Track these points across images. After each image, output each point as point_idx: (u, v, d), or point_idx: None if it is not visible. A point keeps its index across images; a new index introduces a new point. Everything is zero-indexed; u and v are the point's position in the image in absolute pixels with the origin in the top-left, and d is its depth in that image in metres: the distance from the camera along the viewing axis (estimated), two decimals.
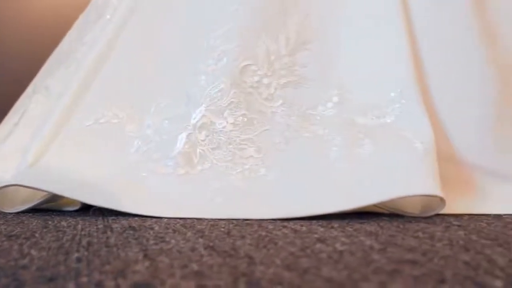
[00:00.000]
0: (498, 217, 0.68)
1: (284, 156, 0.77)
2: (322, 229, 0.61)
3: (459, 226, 0.62)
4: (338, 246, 0.52)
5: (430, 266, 0.44)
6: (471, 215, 0.70)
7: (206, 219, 0.69)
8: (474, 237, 0.56)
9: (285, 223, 0.65)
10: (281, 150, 0.77)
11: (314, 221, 0.65)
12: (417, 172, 0.69)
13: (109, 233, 0.60)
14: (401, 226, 0.62)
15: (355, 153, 0.74)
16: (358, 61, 0.83)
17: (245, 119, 0.79)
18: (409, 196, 0.67)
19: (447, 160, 0.76)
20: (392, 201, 0.68)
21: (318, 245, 0.52)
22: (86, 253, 0.50)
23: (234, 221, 0.67)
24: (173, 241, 0.55)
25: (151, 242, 0.55)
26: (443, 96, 0.79)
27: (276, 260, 0.46)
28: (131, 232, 0.61)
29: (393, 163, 0.71)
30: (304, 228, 0.61)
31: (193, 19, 0.88)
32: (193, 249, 0.51)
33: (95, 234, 0.60)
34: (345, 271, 0.43)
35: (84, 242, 0.55)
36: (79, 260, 0.47)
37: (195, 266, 0.45)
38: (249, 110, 0.79)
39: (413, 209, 0.69)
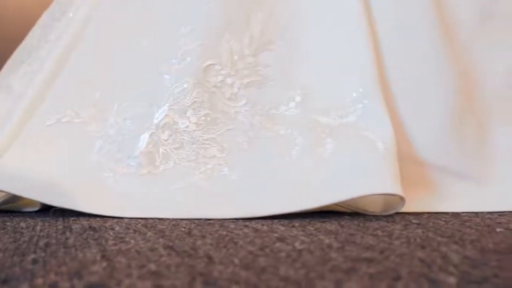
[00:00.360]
0: (456, 215, 0.70)
1: (247, 155, 0.77)
2: (283, 228, 0.61)
3: (418, 224, 0.62)
4: (298, 245, 0.52)
5: (386, 264, 0.44)
6: (430, 213, 0.71)
7: (168, 219, 0.69)
8: (431, 234, 0.56)
9: (247, 223, 0.65)
10: (244, 150, 0.77)
11: (275, 220, 0.66)
12: (378, 171, 0.69)
13: (68, 234, 0.59)
14: (361, 225, 0.62)
15: (317, 152, 0.74)
16: (321, 61, 0.83)
17: (208, 118, 0.79)
18: (370, 195, 0.68)
19: (407, 159, 0.77)
20: (353, 200, 0.68)
21: (278, 244, 0.52)
22: (43, 254, 0.49)
23: (196, 221, 0.67)
24: (132, 241, 0.55)
25: (110, 242, 0.54)
26: (405, 97, 0.81)
27: (234, 260, 0.46)
28: (91, 232, 0.60)
29: (354, 162, 0.72)
30: (265, 228, 0.61)
31: (156, 19, 0.88)
32: (152, 249, 0.51)
33: (53, 235, 0.59)
34: (302, 270, 0.43)
35: (41, 243, 0.55)
36: (35, 261, 0.47)
37: (153, 266, 0.44)
38: (212, 110, 0.79)
39: (374, 208, 0.70)
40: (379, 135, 0.74)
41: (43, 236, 0.58)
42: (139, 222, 0.66)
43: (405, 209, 0.69)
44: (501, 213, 0.70)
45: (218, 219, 0.68)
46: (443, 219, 0.66)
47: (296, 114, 0.80)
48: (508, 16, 0.87)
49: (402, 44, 0.83)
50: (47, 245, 0.54)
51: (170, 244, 0.53)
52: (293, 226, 0.62)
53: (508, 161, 0.80)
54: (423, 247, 0.50)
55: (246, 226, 0.63)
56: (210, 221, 0.67)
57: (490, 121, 0.83)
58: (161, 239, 0.56)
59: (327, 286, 0.39)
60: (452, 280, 0.40)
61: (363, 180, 0.69)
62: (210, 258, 0.47)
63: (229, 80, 0.82)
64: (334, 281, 0.40)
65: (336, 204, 0.69)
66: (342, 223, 0.64)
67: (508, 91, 0.84)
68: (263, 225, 0.63)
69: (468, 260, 0.45)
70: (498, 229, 0.59)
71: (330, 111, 0.79)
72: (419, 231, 0.58)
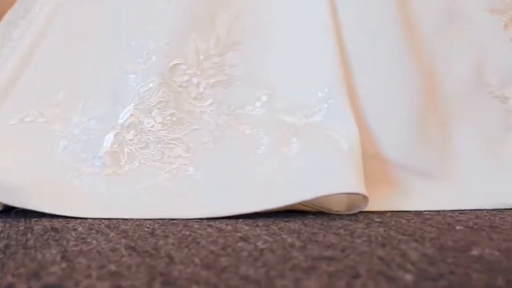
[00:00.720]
0: (418, 213, 0.71)
1: (212, 155, 0.77)
2: (246, 227, 0.61)
3: (380, 222, 0.63)
4: (260, 244, 0.52)
5: (346, 262, 0.45)
6: (393, 212, 0.72)
7: (132, 219, 0.69)
8: (392, 233, 0.57)
9: (211, 222, 0.65)
10: (210, 150, 0.77)
11: (240, 220, 0.66)
12: (342, 170, 0.70)
13: (29, 235, 0.59)
14: (325, 224, 0.63)
15: (282, 152, 0.75)
16: (287, 61, 0.84)
17: (174, 118, 0.79)
18: (334, 194, 0.68)
19: (372, 159, 0.78)
20: (317, 199, 0.69)
21: (240, 244, 0.52)
22: (1, 255, 0.49)
23: (160, 221, 0.67)
24: (94, 242, 0.54)
25: (72, 243, 0.54)
26: (369, 97, 0.81)
27: (195, 259, 0.46)
28: (52, 233, 0.59)
29: (319, 162, 0.72)
30: (229, 227, 0.61)
31: (122, 17, 0.87)
32: (113, 250, 0.51)
33: (14, 236, 0.58)
34: (262, 269, 0.43)
35: (1, 244, 0.54)
36: None
37: (113, 267, 0.44)
38: (178, 110, 0.79)
39: (339, 207, 0.70)
40: (344, 134, 0.74)
41: (3, 237, 0.58)
42: (103, 223, 0.66)
43: (369, 208, 0.70)
44: (462, 211, 0.71)
45: (183, 219, 0.67)
46: (405, 217, 0.67)
47: (262, 113, 0.80)
48: (468, 18, 0.89)
49: (367, 45, 0.84)
50: (6, 246, 0.53)
51: (132, 244, 0.53)
52: (257, 226, 0.62)
53: (469, 160, 0.81)
54: (383, 245, 0.51)
55: (210, 225, 0.63)
56: (174, 221, 0.66)
57: (452, 120, 0.84)
58: (123, 240, 0.55)
59: (286, 284, 0.39)
60: (409, 277, 0.41)
61: (327, 180, 0.69)
62: (171, 258, 0.47)
63: (195, 80, 0.81)
64: (294, 279, 0.40)
65: (300, 204, 0.69)
66: (306, 222, 0.64)
67: (468, 91, 0.85)
68: (227, 224, 0.63)
69: (426, 258, 0.46)
70: (458, 227, 0.60)
71: (296, 111, 0.79)
72: (381, 229, 0.59)
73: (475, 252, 0.48)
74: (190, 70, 0.81)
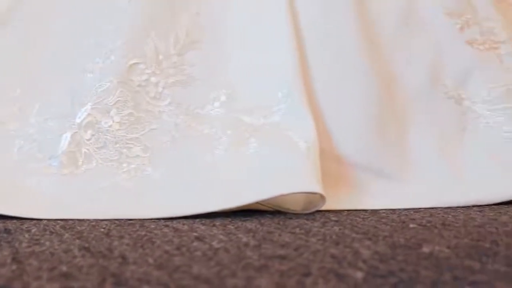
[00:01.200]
0: (374, 212, 0.72)
1: (171, 155, 0.76)
2: (203, 227, 0.61)
3: (336, 221, 0.64)
4: (215, 243, 0.52)
5: (299, 261, 0.45)
6: (350, 211, 0.72)
7: (89, 220, 0.68)
8: (347, 231, 0.58)
9: (168, 222, 0.65)
10: (168, 149, 0.77)
11: (197, 220, 0.66)
12: (299, 170, 0.71)
13: None
14: (281, 223, 0.63)
15: (240, 151, 0.75)
16: (247, 61, 0.84)
17: (132, 118, 0.78)
18: (291, 194, 0.69)
19: (330, 158, 0.79)
20: (275, 198, 0.69)
21: (195, 243, 0.52)
22: None
23: (116, 221, 0.66)
24: (47, 243, 0.54)
25: (24, 244, 0.53)
26: (328, 98, 0.82)
27: (149, 260, 0.46)
28: (5, 235, 0.58)
29: (277, 161, 0.73)
30: (185, 227, 0.61)
31: (80, 16, 0.86)
32: (66, 251, 0.50)
33: None
34: (215, 268, 0.43)
35: None
36: None
37: (64, 268, 0.44)
38: (136, 109, 0.78)
39: (296, 206, 0.71)
40: (302, 134, 0.75)
41: None
42: (58, 224, 0.65)
43: (326, 207, 0.71)
44: (416, 210, 0.73)
45: (140, 219, 0.67)
46: (361, 216, 0.68)
47: (221, 113, 0.80)
48: (426, 20, 0.90)
49: (326, 46, 0.85)
50: None
51: (86, 245, 0.53)
52: (214, 225, 0.62)
53: (425, 159, 0.82)
54: (337, 244, 0.52)
55: (166, 225, 0.62)
56: (131, 221, 0.66)
57: (409, 121, 0.85)
58: (77, 241, 0.55)
59: (237, 283, 0.39)
60: (359, 274, 0.41)
61: (285, 179, 0.70)
62: (124, 258, 0.47)
63: (153, 79, 0.81)
64: (245, 278, 0.41)
65: (258, 203, 0.69)
66: (262, 221, 0.64)
67: (425, 92, 0.87)
68: (184, 224, 0.63)
69: (377, 255, 0.47)
70: (411, 225, 0.61)
71: (254, 111, 0.79)
72: (336, 228, 0.60)
73: (425, 249, 0.49)
74: (149, 70, 0.80)
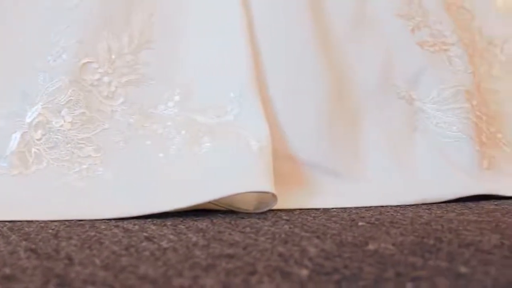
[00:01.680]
0: (326, 210, 0.72)
1: (123, 155, 0.76)
2: (154, 227, 0.61)
3: (287, 220, 0.65)
4: (164, 243, 0.52)
5: (246, 259, 0.46)
6: (302, 210, 0.73)
7: (38, 221, 0.67)
8: (297, 230, 0.58)
9: (119, 222, 0.64)
10: (121, 149, 0.76)
11: (149, 220, 0.65)
12: (252, 170, 0.71)
13: None
14: (233, 222, 0.64)
15: (193, 151, 0.75)
16: (201, 61, 0.84)
17: (84, 117, 0.77)
18: (243, 193, 0.69)
19: (283, 158, 0.80)
20: (227, 198, 0.69)
21: (144, 244, 0.52)
22: None
23: (66, 222, 0.65)
24: None
25: None
26: (281, 97, 0.83)
27: (96, 260, 0.46)
28: None
29: (229, 161, 0.73)
30: (136, 227, 0.61)
31: (33, 15, 0.84)
32: (12, 253, 0.49)
33: None
34: (162, 268, 0.43)
35: None
36: None
37: (7, 270, 0.43)
38: (89, 109, 0.78)
39: (248, 206, 0.71)
40: (255, 134, 0.76)
41: None
42: (6, 225, 0.64)
43: (279, 206, 0.71)
44: (367, 208, 0.74)
45: (90, 220, 0.66)
46: (312, 214, 0.69)
47: (175, 113, 0.80)
48: (378, 22, 0.92)
49: (280, 46, 0.86)
50: None
51: (33, 246, 0.52)
52: (165, 225, 0.62)
53: (376, 159, 0.84)
54: (285, 242, 0.52)
55: (117, 226, 0.62)
56: (81, 222, 0.65)
57: (361, 121, 0.87)
58: (24, 242, 0.54)
59: (183, 283, 0.40)
60: (304, 272, 0.42)
61: (237, 179, 0.70)
62: (70, 259, 0.46)
63: (106, 79, 0.80)
64: (192, 277, 0.41)
65: (210, 203, 0.70)
66: (214, 221, 0.65)
67: (377, 93, 0.89)
68: (135, 224, 0.63)
69: (324, 253, 0.47)
70: (360, 223, 0.62)
71: (208, 111, 0.80)
72: (287, 227, 0.60)
73: (371, 246, 0.50)
74: (102, 69, 0.80)
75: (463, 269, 0.43)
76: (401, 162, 0.86)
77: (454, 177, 0.85)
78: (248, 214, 0.69)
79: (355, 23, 0.91)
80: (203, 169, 0.73)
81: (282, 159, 0.79)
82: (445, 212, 0.70)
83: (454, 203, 0.77)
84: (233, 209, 0.71)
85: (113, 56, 0.81)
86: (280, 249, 0.49)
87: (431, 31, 0.96)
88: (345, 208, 0.74)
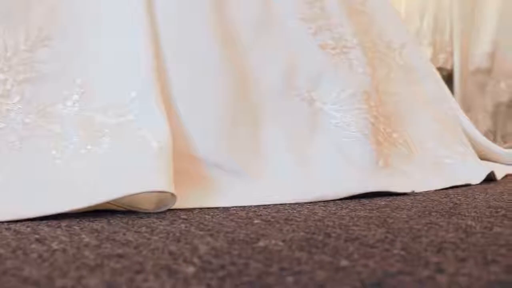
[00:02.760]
0: (226, 209, 0.73)
1: (19, 155, 0.74)
2: (47, 229, 0.60)
3: (185, 219, 0.65)
4: (54, 245, 0.51)
5: (135, 259, 0.46)
6: (202, 209, 0.74)
7: None
8: (193, 229, 0.59)
9: (11, 225, 0.62)
10: (16, 149, 0.74)
11: (43, 222, 0.64)
12: (151, 169, 0.71)
13: None
14: (130, 222, 0.63)
15: (92, 151, 0.74)
16: (102, 60, 0.83)
17: None
18: (142, 193, 0.69)
19: (185, 158, 0.80)
20: (127, 198, 0.69)
21: (34, 245, 0.51)
22: None
23: None
24: None
25: None
26: (183, 97, 0.83)
27: None
28: None
29: (129, 161, 0.73)
30: (28, 229, 0.60)
31: None
32: None
33: None
34: (47, 270, 0.43)
35: None
36: None
37: None
38: None
39: (148, 206, 0.71)
40: (155, 134, 0.75)
41: None
42: None
43: (179, 205, 0.72)
44: (266, 206, 0.75)
45: None
46: (211, 214, 0.70)
47: (73, 112, 0.79)
48: (281, 25, 0.94)
49: (183, 47, 0.86)
50: None
51: None
52: (59, 227, 0.61)
53: (277, 158, 0.86)
54: (178, 241, 0.53)
55: (8, 228, 0.60)
56: None
57: (264, 122, 0.89)
58: None
59: (67, 283, 0.39)
60: (191, 269, 0.43)
61: (135, 178, 0.70)
62: None
63: (1, 76, 0.78)
64: (76, 278, 0.40)
65: (109, 203, 0.69)
66: (111, 221, 0.64)
67: (279, 94, 0.91)
68: (28, 226, 0.61)
69: (214, 251, 0.48)
70: (256, 221, 0.63)
71: (108, 110, 0.79)
72: (183, 226, 0.61)
73: (261, 243, 0.51)
74: None
75: (344, 262, 0.45)
76: (302, 161, 0.88)
77: (351, 175, 0.89)
78: (148, 214, 0.69)
79: (259, 27, 0.93)
80: (102, 169, 0.72)
81: (184, 159, 0.80)
82: (339, 208, 0.73)
83: (349, 200, 0.80)
84: (132, 209, 0.70)
85: (8, 54, 0.78)
86: (172, 247, 0.50)
87: (332, 34, 0.99)
88: (244, 207, 0.75)
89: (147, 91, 0.79)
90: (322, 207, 0.74)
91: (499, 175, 1.05)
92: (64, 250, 0.49)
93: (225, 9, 0.91)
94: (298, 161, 0.87)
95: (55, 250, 0.49)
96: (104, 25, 0.85)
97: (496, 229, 0.56)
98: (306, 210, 0.72)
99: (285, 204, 0.77)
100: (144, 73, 0.80)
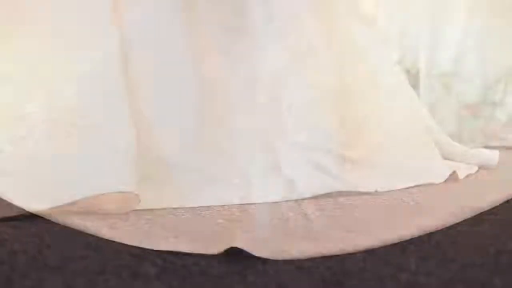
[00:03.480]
0: (193, 209, 0.73)
1: None
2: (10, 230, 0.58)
3: (148, 219, 0.64)
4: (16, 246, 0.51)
5: (98, 260, 0.45)
6: (170, 210, 0.73)
7: None
8: (158, 230, 0.59)
9: None
10: None
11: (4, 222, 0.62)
12: (116, 170, 0.70)
13: None
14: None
15: (57, 151, 0.73)
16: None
17: None
18: (106, 193, 0.68)
19: (150, 159, 0.79)
20: (90, 199, 0.68)
21: None
22: None
23: None
24: None
25: None
26: (151, 101, 0.82)
27: None
28: None
29: (93, 161, 0.72)
30: None
31: None
32: None
33: None
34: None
35: None
36: None
37: None
38: None
39: (111, 206, 0.70)
40: (121, 136, 0.75)
41: None
42: None
43: (147, 206, 0.71)
44: (231, 206, 0.75)
45: None
46: (177, 214, 0.69)
47: (37, 113, 0.78)
48: (251, 29, 0.94)
49: (150, 51, 0.85)
50: None
51: None
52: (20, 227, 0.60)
53: (250, 160, 0.86)
54: (141, 242, 0.52)
55: None
56: None
57: (233, 123, 0.88)
58: None
59: (27, 284, 0.39)
60: (153, 270, 0.43)
61: (100, 179, 0.69)
62: None
63: None
64: (38, 279, 0.40)
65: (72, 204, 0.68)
66: None
67: (245, 98, 0.91)
68: None
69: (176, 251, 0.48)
70: (219, 220, 0.64)
71: (73, 112, 0.78)
72: (147, 226, 0.60)
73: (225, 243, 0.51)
74: None
75: (307, 264, 0.45)
76: (270, 161, 0.88)
77: (319, 176, 0.89)
78: (111, 215, 0.68)
79: (227, 27, 0.93)
80: (65, 170, 0.71)
81: (149, 160, 0.79)
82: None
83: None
84: (95, 210, 0.69)
85: None
86: (134, 250, 0.49)
87: (299, 37, 0.99)
88: (208, 207, 0.74)
89: (115, 93, 0.78)
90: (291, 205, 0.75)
91: (461, 175, 1.07)
92: (25, 252, 0.48)
93: (195, 8, 0.90)
94: (267, 161, 0.87)
95: (16, 252, 0.48)
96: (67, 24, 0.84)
97: (457, 228, 0.58)
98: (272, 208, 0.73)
99: (252, 204, 0.77)
100: (113, 77, 0.79)
